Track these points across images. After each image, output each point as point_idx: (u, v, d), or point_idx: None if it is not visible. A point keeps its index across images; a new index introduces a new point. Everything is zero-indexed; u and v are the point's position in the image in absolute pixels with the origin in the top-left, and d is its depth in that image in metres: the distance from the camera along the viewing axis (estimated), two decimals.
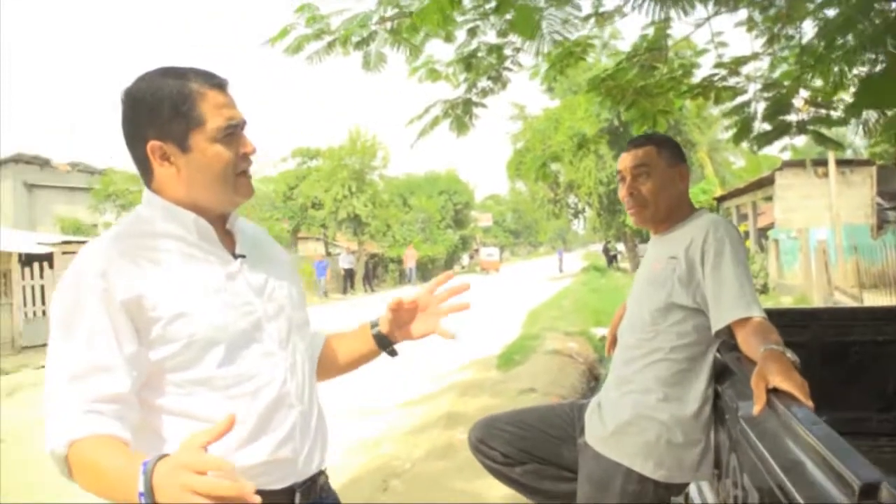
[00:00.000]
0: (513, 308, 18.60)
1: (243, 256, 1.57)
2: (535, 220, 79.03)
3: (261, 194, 26.42)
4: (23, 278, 17.37)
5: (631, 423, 2.29)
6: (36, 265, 17.69)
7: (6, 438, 7.62)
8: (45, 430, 1.33)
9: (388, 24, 4.89)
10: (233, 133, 1.50)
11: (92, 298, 1.37)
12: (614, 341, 2.59)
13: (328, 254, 37.83)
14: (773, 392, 1.63)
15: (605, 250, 45.81)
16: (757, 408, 1.63)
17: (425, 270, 43.32)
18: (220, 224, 1.58)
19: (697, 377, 2.27)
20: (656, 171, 2.42)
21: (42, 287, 17.82)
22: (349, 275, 33.23)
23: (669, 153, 2.45)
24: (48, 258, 17.95)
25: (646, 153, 2.44)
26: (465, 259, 56.93)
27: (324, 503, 1.63)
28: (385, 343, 1.84)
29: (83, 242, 19.83)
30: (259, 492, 1.38)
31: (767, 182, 21.79)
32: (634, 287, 2.52)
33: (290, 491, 1.52)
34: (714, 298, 2.18)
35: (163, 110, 1.45)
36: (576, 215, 40.76)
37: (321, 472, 1.63)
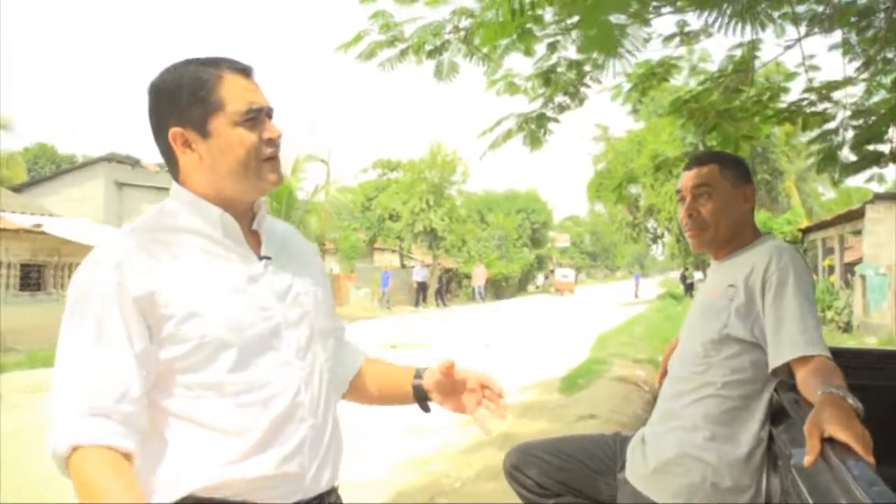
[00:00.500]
0: (583, 331, 18.27)
1: (268, 258, 1.49)
2: (613, 244, 78.15)
3: (339, 203, 26.74)
4: None
5: (675, 461, 2.11)
6: None
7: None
8: (49, 426, 1.29)
9: (462, 34, 4.83)
10: (256, 118, 1.44)
11: (104, 291, 1.32)
12: (666, 372, 2.40)
13: (402, 266, 38.08)
14: (829, 442, 1.45)
15: (683, 278, 44.77)
16: (808, 458, 1.45)
17: (499, 288, 43.15)
18: (248, 222, 1.51)
19: (751, 417, 2.07)
20: (719, 192, 2.24)
21: None
22: (422, 288, 33.34)
23: (734, 173, 2.27)
24: None
25: (708, 172, 2.27)
26: (539, 279, 56.48)
27: None
28: (422, 397, 1.75)
29: None
30: None
31: (857, 215, 20.85)
32: (689, 316, 2.35)
33: None
34: (773, 333, 1.99)
35: (182, 96, 1.41)
36: (654, 240, 40.05)
37: (332, 491, 1.53)
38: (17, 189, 24.31)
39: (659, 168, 10.28)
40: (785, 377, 2.01)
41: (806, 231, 27.14)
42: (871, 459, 1.35)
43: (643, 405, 8.25)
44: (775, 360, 1.97)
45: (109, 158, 25.05)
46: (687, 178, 2.31)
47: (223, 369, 1.36)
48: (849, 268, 22.67)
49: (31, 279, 16.42)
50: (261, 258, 1.48)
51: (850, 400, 1.59)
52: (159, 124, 1.44)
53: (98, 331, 1.31)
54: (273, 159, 1.47)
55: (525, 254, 47.74)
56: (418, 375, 1.74)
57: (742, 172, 2.29)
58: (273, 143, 1.46)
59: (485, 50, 5.21)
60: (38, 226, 16.55)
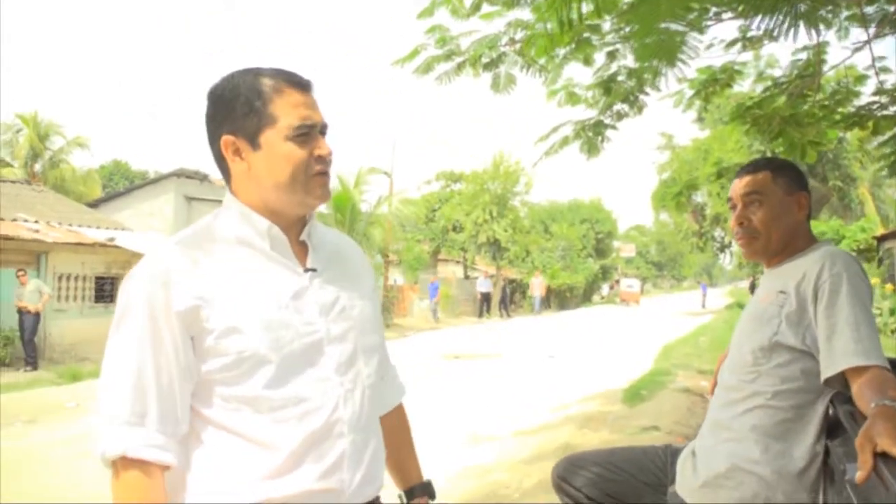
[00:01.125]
0: (648, 341, 18.01)
1: (314, 270, 1.50)
2: (679, 254, 76.71)
3: (402, 215, 26.93)
4: None
5: (726, 475, 2.05)
6: None
7: None
8: (99, 431, 1.36)
9: (518, 47, 4.86)
10: (308, 133, 1.45)
11: (151, 303, 1.36)
12: (717, 383, 2.32)
13: (466, 276, 38.12)
14: (883, 457, 1.38)
15: (752, 287, 43.73)
16: (860, 474, 1.38)
17: (563, 299, 42.82)
18: (297, 233, 1.52)
19: (805, 429, 2.00)
20: (770, 200, 2.18)
21: None
22: (486, 298, 33.33)
23: (787, 180, 2.19)
24: None
25: (760, 179, 2.20)
26: (604, 289, 55.84)
27: None
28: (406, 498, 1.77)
29: None
30: None
31: None
32: (739, 323, 2.27)
33: None
34: (826, 342, 1.91)
35: (237, 105, 1.44)
36: (722, 250, 39.24)
37: (376, 500, 1.53)
38: (93, 205, 25.21)
39: (721, 175, 10.12)
40: (839, 388, 1.93)
41: (881, 239, 26.18)
42: None
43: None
44: (827, 370, 1.90)
45: (179, 174, 25.78)
46: (738, 186, 2.26)
47: (260, 384, 1.37)
48: None
49: (105, 291, 17.02)
50: (306, 270, 1.49)
51: None
52: (214, 131, 1.47)
53: (144, 341, 1.35)
54: (322, 175, 1.48)
55: (589, 264, 47.30)
56: (411, 493, 1.77)
57: (796, 179, 2.22)
58: (323, 160, 1.47)
59: (542, 61, 5.24)
60: (112, 239, 17.18)
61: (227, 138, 1.44)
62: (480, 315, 32.46)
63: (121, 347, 1.37)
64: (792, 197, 2.19)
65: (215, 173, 28.62)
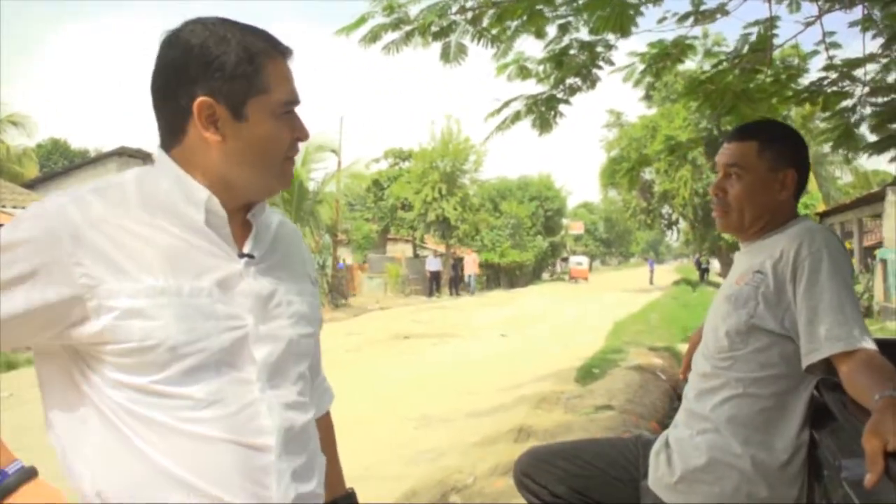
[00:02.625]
0: (599, 319, 18.12)
1: (251, 257, 1.28)
2: (627, 231, 77.67)
3: (351, 193, 26.60)
4: None
5: (704, 469, 1.92)
6: None
7: None
8: None
9: (469, 15, 4.66)
10: (290, 112, 1.28)
11: (47, 247, 1.13)
12: (689, 367, 2.19)
13: (416, 255, 37.96)
14: (893, 457, 1.26)
15: (698, 263, 44.52)
16: (871, 478, 1.25)
17: (513, 276, 42.95)
18: (242, 214, 1.31)
19: (787, 419, 1.88)
20: (750, 174, 2.02)
21: None
22: (435, 277, 33.26)
23: (775, 154, 2.03)
24: None
25: (744, 150, 2.05)
26: (554, 266, 56.26)
27: None
28: None
29: None
30: None
31: (877, 198, 20.51)
32: (712, 306, 2.14)
33: None
34: (808, 325, 1.79)
35: (225, 63, 1.20)
36: (669, 227, 39.78)
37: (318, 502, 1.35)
38: (30, 185, 24.30)
39: (673, 151, 10.09)
40: (822, 374, 1.81)
41: (823, 215, 26.80)
42: None
43: (660, 395, 8.09)
44: (811, 356, 1.78)
45: (121, 152, 25.01)
46: (723, 152, 2.11)
47: (162, 379, 1.16)
48: (868, 252, 22.38)
49: None
50: (242, 255, 1.27)
51: None
52: (179, 87, 1.21)
53: (15, 276, 1.12)
54: (292, 160, 1.32)
55: (539, 241, 47.43)
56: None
57: (786, 153, 2.05)
58: (296, 144, 1.31)
59: (493, 31, 5.05)
60: None
61: (203, 100, 1.20)
62: (430, 294, 32.36)
63: None
64: (776, 174, 2.03)
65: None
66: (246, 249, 1.28)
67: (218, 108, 1.21)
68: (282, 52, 1.27)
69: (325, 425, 1.53)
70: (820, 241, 1.86)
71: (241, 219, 1.30)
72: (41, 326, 1.16)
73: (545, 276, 52.36)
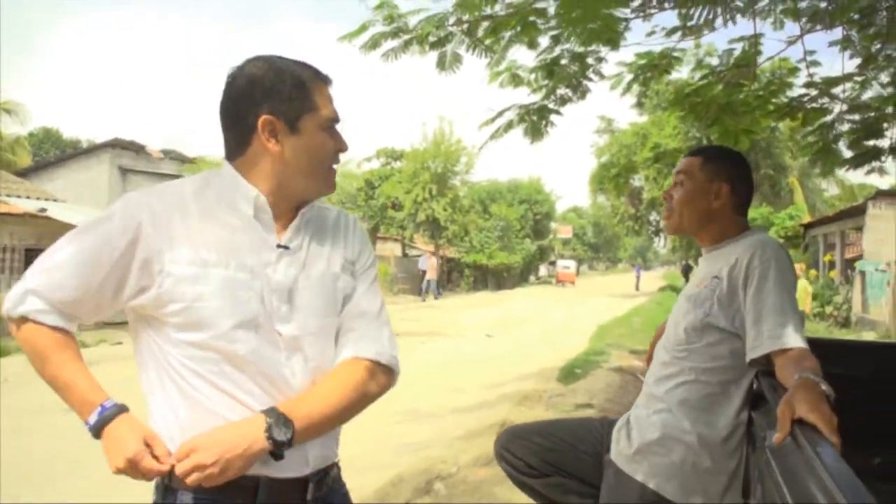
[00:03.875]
0: (583, 322, 18.37)
1: (286, 248, 1.54)
2: (615, 236, 78.08)
3: (343, 191, 26.70)
4: None
5: (658, 442, 2.19)
6: None
7: None
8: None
9: (465, 26, 4.88)
10: (333, 127, 1.58)
11: (126, 223, 1.46)
12: (652, 357, 2.48)
13: (405, 255, 38.13)
14: (800, 424, 1.51)
15: (685, 270, 44.90)
16: (778, 436, 1.52)
17: (500, 278, 43.19)
18: (291, 212, 1.59)
19: (729, 402, 2.16)
20: (691, 183, 2.34)
21: None
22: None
23: (714, 168, 2.33)
24: None
25: (689, 163, 2.37)
26: (541, 270, 56.57)
27: (335, 495, 1.63)
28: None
29: None
30: (273, 479, 1.45)
31: (858, 211, 20.92)
32: (676, 304, 2.41)
33: (303, 481, 1.51)
34: (753, 325, 2.05)
35: (283, 89, 1.51)
36: (657, 233, 40.12)
37: (334, 464, 1.63)
38: (22, 173, 24.35)
39: (658, 159, 10.38)
40: (762, 367, 2.08)
41: (808, 226, 27.20)
42: (835, 440, 1.42)
43: (638, 395, 8.34)
44: (755, 352, 2.03)
45: (114, 144, 25.08)
46: (678, 164, 2.42)
47: (211, 337, 1.44)
48: (849, 264, 22.74)
49: None
50: (279, 246, 1.53)
51: (824, 386, 1.65)
52: (247, 109, 1.51)
53: (85, 252, 1.46)
54: (334, 168, 1.62)
55: (527, 244, 47.74)
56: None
57: (724, 169, 2.33)
58: (338, 155, 1.60)
59: (487, 42, 5.27)
60: (43, 210, 16.63)
61: (266, 118, 1.50)
62: (422, 293, 32.49)
63: (72, 240, 1.49)
64: (711, 185, 2.32)
65: (151, 143, 27.78)
66: (283, 241, 1.54)
67: (277, 124, 1.51)
68: (323, 79, 1.58)
69: (339, 368, 1.58)
70: (770, 253, 2.13)
71: (290, 217, 1.58)
72: (121, 280, 1.46)
73: (532, 279, 52.63)
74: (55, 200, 19.43)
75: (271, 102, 1.50)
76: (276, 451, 1.41)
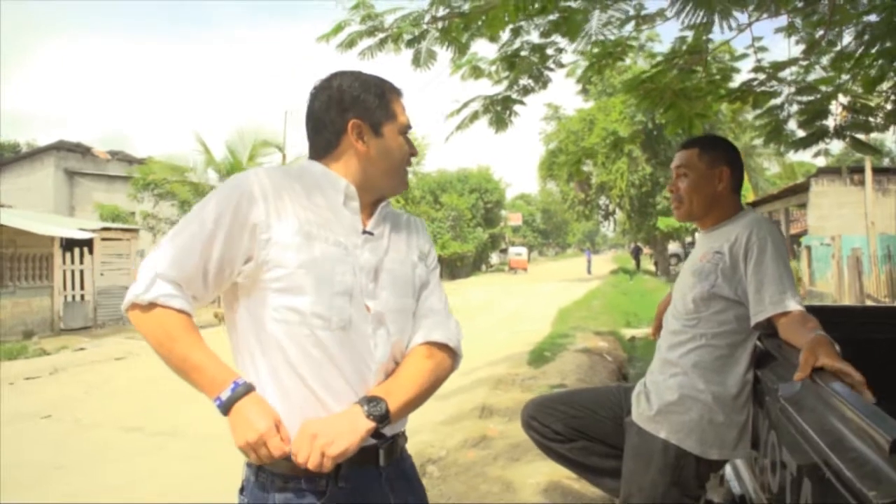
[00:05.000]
0: (542, 307, 18.71)
1: (371, 234, 1.72)
2: (564, 221, 78.86)
3: None
4: (63, 262, 17.82)
5: (676, 402, 2.45)
6: (76, 250, 18.12)
7: (52, 413, 7.94)
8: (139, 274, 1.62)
9: (440, 24, 5.03)
10: (407, 134, 1.80)
11: (233, 207, 1.61)
12: (660, 327, 2.74)
13: None
14: (816, 371, 1.77)
15: (635, 252, 45.72)
16: (799, 374, 1.79)
17: (454, 268, 43.47)
18: (371, 206, 1.78)
19: (737, 362, 2.43)
20: (694, 173, 2.60)
21: (81, 272, 18.26)
22: None
23: (712, 156, 2.61)
24: (88, 244, 18.37)
25: (688, 155, 2.64)
26: (493, 257, 57.02)
27: (404, 462, 1.78)
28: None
29: (123, 229, 20.35)
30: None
31: (802, 189, 21.67)
32: (680, 278, 2.68)
33: (374, 449, 1.64)
34: (755, 293, 2.34)
35: (369, 98, 1.74)
36: (606, 217, 40.70)
37: (402, 434, 1.77)
38: None
39: (616, 146, 10.65)
40: (764, 330, 2.38)
41: (753, 205, 27.94)
42: (859, 377, 1.69)
43: (608, 374, 8.64)
44: (757, 316, 2.33)
45: (59, 147, 24.61)
46: (675, 159, 2.69)
47: (310, 301, 1.59)
48: (794, 239, 23.55)
49: None
50: (364, 232, 1.72)
51: (836, 347, 1.91)
52: (338, 115, 1.73)
53: (204, 224, 1.61)
54: (407, 170, 1.83)
55: (479, 233, 48.12)
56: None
57: (721, 155, 2.62)
58: (411, 157, 1.83)
59: (454, 36, 5.42)
60: None
61: (355, 121, 1.72)
62: None
63: (190, 221, 1.64)
64: (714, 170, 2.60)
65: (98, 146, 27.14)
66: (368, 228, 1.73)
67: (364, 127, 1.73)
68: (398, 91, 1.82)
69: (417, 353, 1.75)
70: (765, 230, 2.42)
71: (371, 210, 1.78)
72: (234, 251, 1.61)
73: (484, 267, 53.04)
74: (1, 206, 19.03)
75: (359, 109, 1.72)
76: (379, 430, 1.58)
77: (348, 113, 1.73)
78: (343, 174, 1.73)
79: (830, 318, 2.53)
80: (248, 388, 1.57)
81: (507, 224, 58.63)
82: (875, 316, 3.36)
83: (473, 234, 47.17)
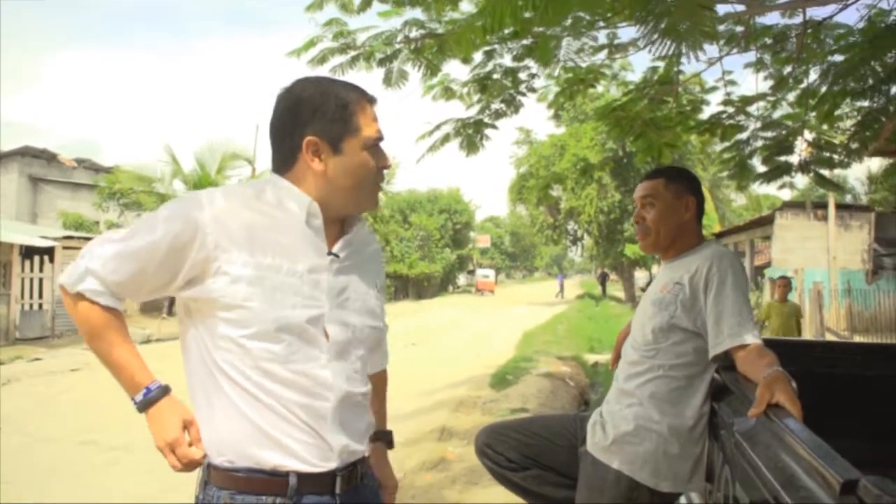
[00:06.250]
0: (507, 330, 18.69)
1: (336, 256, 1.63)
2: (532, 245, 79.19)
3: None
4: (22, 270, 17.47)
5: (632, 433, 2.42)
6: (36, 258, 17.78)
7: (3, 427, 7.71)
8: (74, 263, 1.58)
9: (413, 45, 5.03)
10: (376, 146, 1.65)
11: (178, 230, 1.52)
12: (619, 357, 2.71)
13: None
14: (771, 408, 1.76)
15: (603, 278, 46.06)
16: (755, 411, 1.77)
17: (420, 288, 43.40)
18: (337, 223, 1.68)
19: (694, 394, 2.40)
20: (661, 202, 2.58)
21: (41, 280, 17.90)
22: None
23: (678, 186, 2.59)
24: (49, 252, 18.03)
25: (654, 185, 2.61)
26: (460, 279, 57.06)
27: (365, 489, 1.70)
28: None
29: (86, 238, 19.99)
30: (302, 474, 1.55)
31: (767, 221, 22.01)
32: (640, 308, 2.66)
33: (331, 475, 1.58)
34: (714, 325, 2.32)
35: (327, 111, 1.60)
36: (574, 242, 40.95)
37: (363, 460, 1.69)
38: None
39: (585, 171, 10.73)
40: (722, 362, 2.36)
41: (719, 235, 28.33)
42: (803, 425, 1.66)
43: (570, 399, 8.63)
44: (715, 348, 2.30)
45: (24, 152, 24.21)
46: (639, 190, 2.67)
47: (255, 334, 1.51)
48: (758, 271, 23.86)
49: None
50: (329, 253, 1.62)
51: (793, 383, 1.90)
52: (294, 128, 1.61)
53: (156, 245, 1.52)
54: (379, 184, 1.69)
55: (447, 254, 48.14)
56: (374, 437, 1.83)
57: (685, 185, 2.61)
58: (382, 171, 1.68)
59: (429, 57, 5.43)
60: None
61: (310, 139, 1.59)
62: None
63: (139, 230, 1.57)
64: (680, 200, 2.59)
65: (64, 152, 26.80)
66: (334, 250, 1.64)
67: (321, 145, 1.60)
68: (369, 99, 1.66)
69: (379, 377, 1.93)
70: (726, 262, 2.41)
71: (337, 228, 1.68)
72: (174, 273, 1.54)
73: (451, 288, 53.04)
74: None
75: (316, 123, 1.59)
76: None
77: (305, 128, 1.60)
78: (305, 191, 1.62)
79: (789, 351, 2.54)
80: (163, 393, 1.57)
81: (475, 246, 58.77)
82: (832, 351, 3.39)
83: (441, 254, 47.18)
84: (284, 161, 1.65)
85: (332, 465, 1.58)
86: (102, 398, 8.94)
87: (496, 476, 2.84)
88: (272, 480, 1.53)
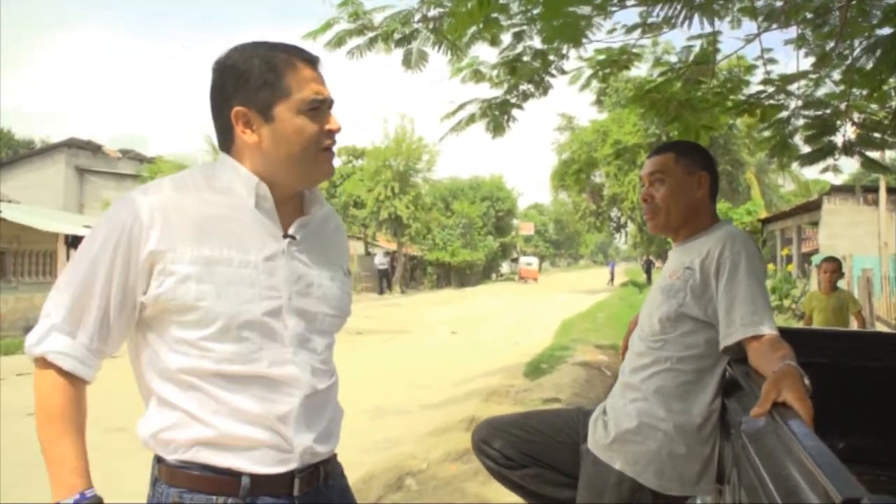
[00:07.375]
0: (548, 318, 18.50)
1: (293, 238, 1.51)
2: (576, 233, 78.61)
3: None
4: (67, 259, 17.76)
5: (634, 431, 2.23)
6: None
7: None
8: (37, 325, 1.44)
9: (431, 24, 4.89)
10: (318, 108, 1.47)
11: (119, 237, 1.40)
12: (627, 348, 2.53)
13: (367, 253, 38.04)
14: (778, 407, 1.58)
15: (647, 265, 45.46)
16: (757, 410, 1.60)
17: (463, 276, 43.29)
18: (292, 201, 1.55)
19: (704, 390, 2.20)
20: (671, 179, 2.36)
21: None
22: (384, 275, 33.45)
23: (689, 161, 2.38)
24: None
25: (663, 160, 2.39)
26: (504, 266, 56.83)
27: (330, 490, 1.58)
28: None
29: None
30: (255, 475, 1.42)
31: (814, 206, 21.37)
32: (648, 296, 2.46)
33: (289, 476, 1.47)
34: (726, 313, 2.11)
35: (251, 78, 1.44)
36: (618, 229, 40.53)
37: (328, 460, 1.57)
38: None
39: (619, 155, 10.50)
40: (734, 355, 2.14)
41: (766, 221, 27.71)
42: (811, 428, 1.47)
43: (605, 389, 8.42)
44: (727, 339, 2.09)
45: (70, 144, 24.69)
46: (646, 166, 2.44)
47: (211, 335, 1.40)
48: (806, 258, 23.21)
49: None
50: (286, 236, 1.49)
51: (806, 380, 1.70)
52: (222, 101, 1.47)
53: (100, 264, 1.40)
54: (329, 150, 1.51)
55: (489, 241, 47.88)
56: None
57: (698, 160, 2.39)
58: (332, 134, 1.50)
59: (450, 38, 5.28)
60: None
61: (238, 109, 1.45)
62: (381, 291, 32.63)
63: (80, 261, 1.43)
64: (692, 177, 2.37)
65: (109, 144, 27.34)
66: (290, 231, 1.50)
67: (250, 114, 1.45)
68: (306, 59, 1.49)
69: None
70: (740, 245, 2.18)
71: (292, 206, 1.54)
72: (134, 286, 1.41)
73: (494, 276, 52.86)
74: (9, 201, 19.04)
75: (242, 91, 1.45)
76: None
77: (233, 99, 1.45)
78: (249, 169, 1.48)
79: (813, 342, 2.33)
80: (96, 502, 1.41)
81: (518, 233, 58.39)
82: (863, 342, 3.13)
83: (484, 242, 46.93)
84: (224, 138, 1.51)
85: (290, 466, 1.46)
86: (133, 387, 9.02)
87: (494, 474, 2.67)
88: (224, 480, 1.42)
